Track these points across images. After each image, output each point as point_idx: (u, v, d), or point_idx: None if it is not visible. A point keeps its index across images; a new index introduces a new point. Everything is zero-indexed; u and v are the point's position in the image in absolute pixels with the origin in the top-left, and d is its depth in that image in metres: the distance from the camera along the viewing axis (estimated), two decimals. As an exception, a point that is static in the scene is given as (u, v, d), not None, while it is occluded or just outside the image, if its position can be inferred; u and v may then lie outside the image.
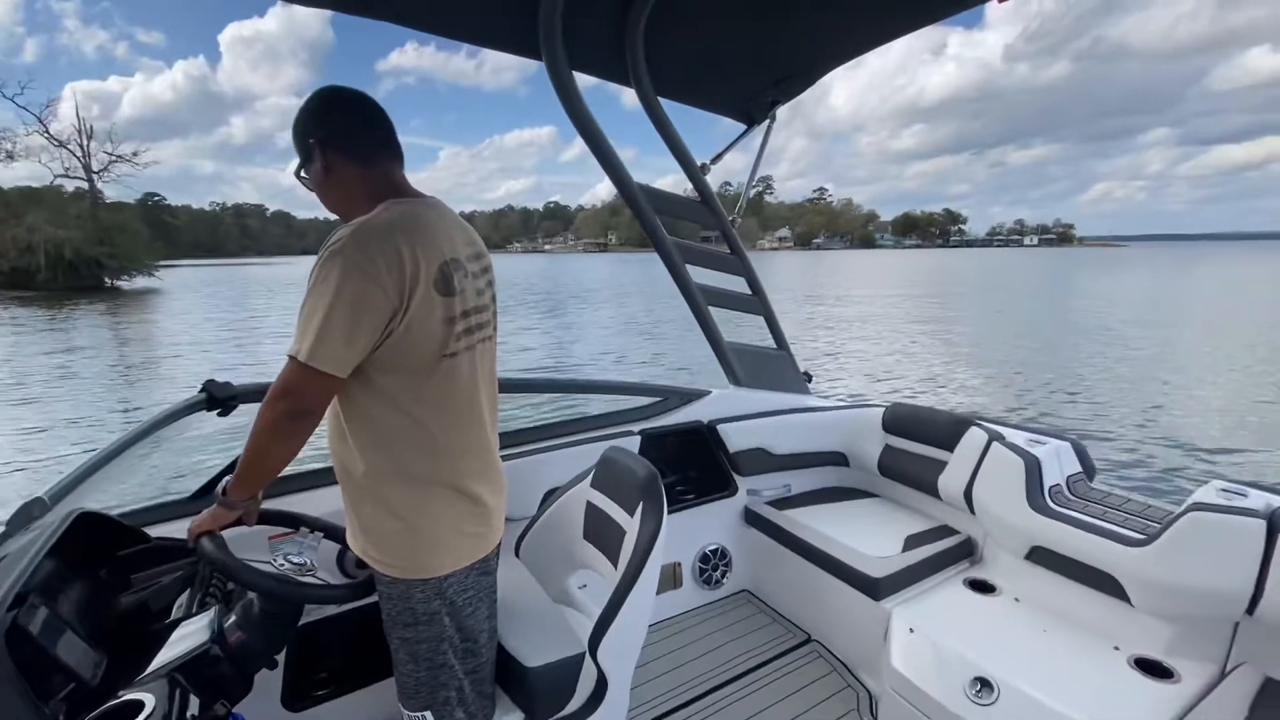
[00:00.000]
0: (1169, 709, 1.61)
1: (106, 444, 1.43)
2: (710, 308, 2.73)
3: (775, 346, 3.01)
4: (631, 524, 1.53)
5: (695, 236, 3.00)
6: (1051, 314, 22.70)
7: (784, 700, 2.15)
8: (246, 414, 1.63)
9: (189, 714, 1.10)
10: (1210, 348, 14.38)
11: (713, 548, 2.72)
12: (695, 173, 2.62)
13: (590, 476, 1.80)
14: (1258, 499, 1.81)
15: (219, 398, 1.68)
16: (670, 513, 2.51)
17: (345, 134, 1.23)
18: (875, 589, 2.17)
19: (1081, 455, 2.35)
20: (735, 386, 2.89)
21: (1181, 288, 35.61)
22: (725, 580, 2.77)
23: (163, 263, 47.65)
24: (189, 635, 1.19)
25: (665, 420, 2.67)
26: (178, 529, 1.44)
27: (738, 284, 2.87)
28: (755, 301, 2.87)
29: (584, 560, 1.79)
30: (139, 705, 1.02)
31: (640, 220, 2.54)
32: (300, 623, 1.43)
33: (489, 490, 1.36)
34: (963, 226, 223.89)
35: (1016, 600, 2.14)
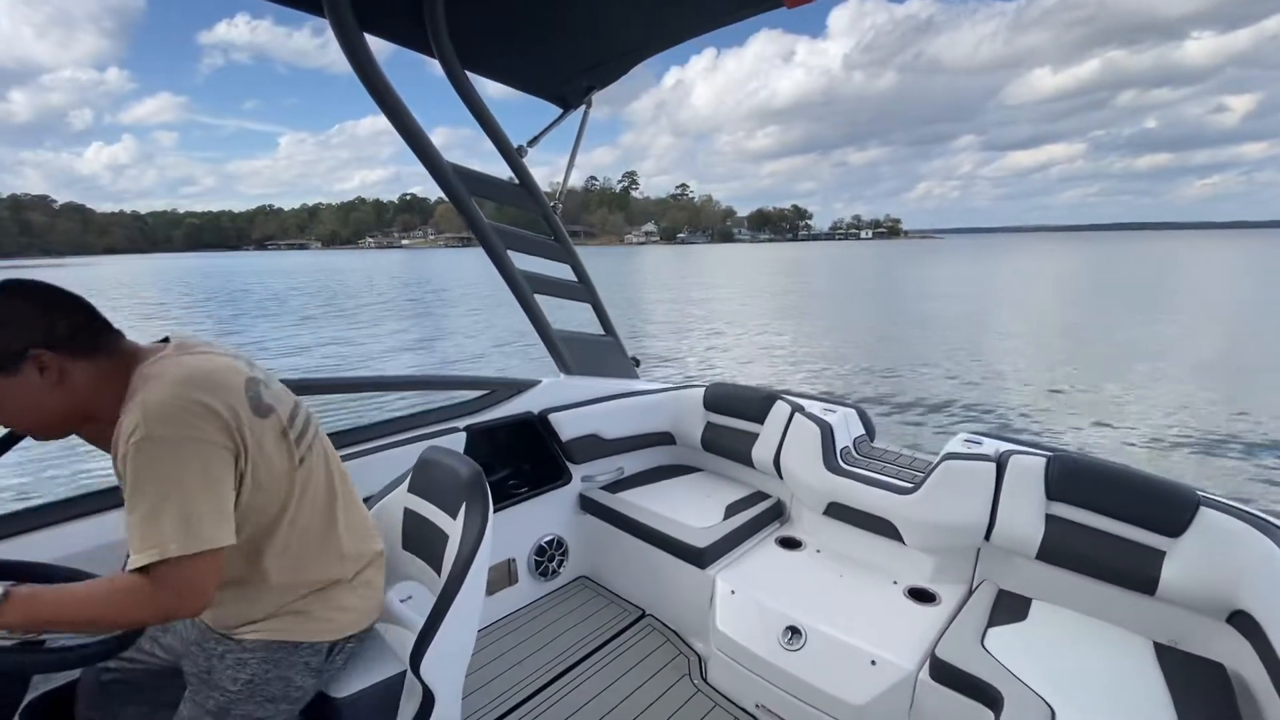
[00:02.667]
0: (934, 627, 1.89)
1: None
2: (537, 296, 2.66)
3: (603, 333, 3.02)
4: (454, 527, 1.43)
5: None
6: (873, 296, 25.71)
7: (623, 677, 2.19)
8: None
9: None
10: (987, 321, 17.12)
11: (549, 538, 2.69)
12: (512, 155, 2.53)
13: (407, 480, 1.66)
14: (990, 446, 2.17)
15: None
16: (501, 509, 2.45)
17: (81, 328, 1.08)
18: (700, 558, 2.28)
19: (865, 419, 2.66)
20: (565, 375, 2.86)
21: (974, 272, 41.88)
22: (562, 569, 2.75)
23: None
24: None
25: (494, 414, 2.59)
26: None
27: (563, 271, 2.83)
28: (581, 289, 2.85)
29: (405, 572, 1.65)
30: None
31: (454, 202, 2.40)
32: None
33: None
34: (809, 222, 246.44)
35: (818, 552, 2.40)
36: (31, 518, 1.52)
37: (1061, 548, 1.89)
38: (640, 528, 2.51)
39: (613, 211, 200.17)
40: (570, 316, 2.94)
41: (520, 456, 2.70)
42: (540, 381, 2.77)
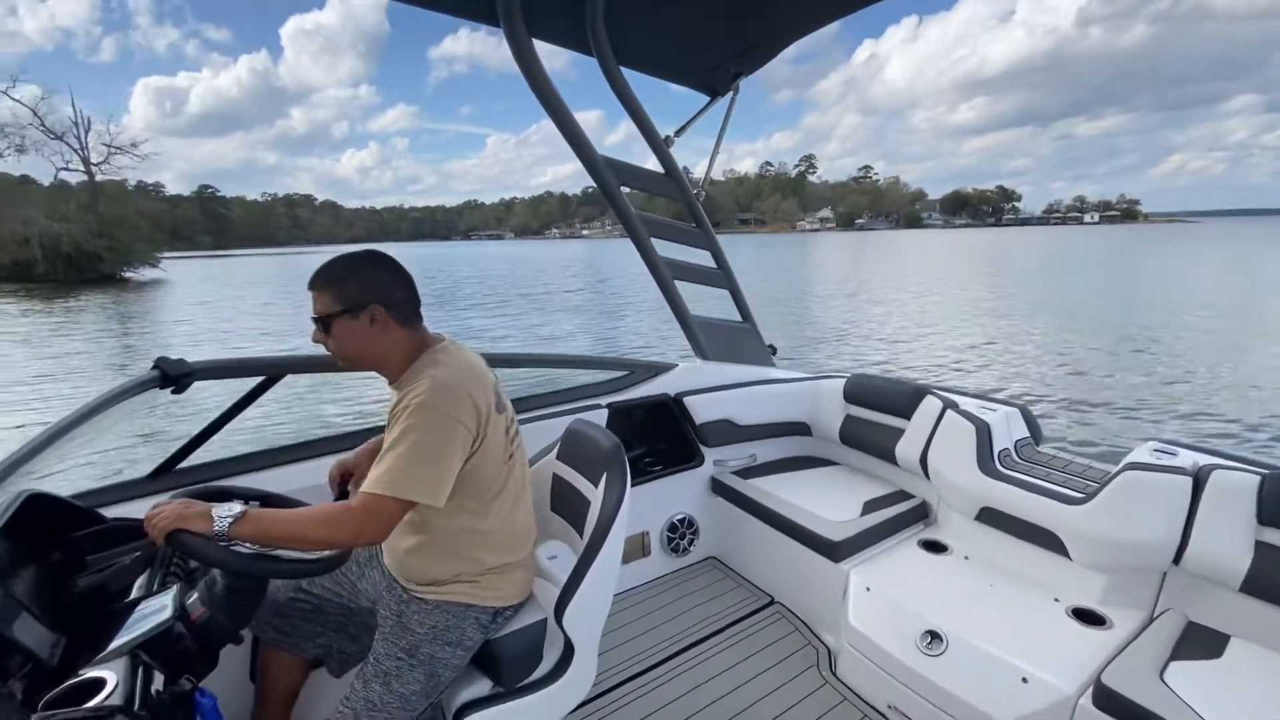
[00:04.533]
0: (1102, 652, 1.71)
1: (51, 423, 1.39)
2: (677, 282, 2.75)
3: (740, 320, 3.02)
4: (596, 494, 1.57)
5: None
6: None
7: (748, 659, 2.22)
8: (201, 390, 1.71)
9: (153, 689, 1.09)
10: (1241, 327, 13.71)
11: (680, 517, 2.77)
12: (660, 145, 2.64)
13: (556, 449, 1.85)
14: (1186, 458, 1.89)
15: (172, 375, 1.65)
16: (638, 484, 2.58)
17: (407, 302, 1.42)
18: (834, 551, 2.24)
19: (1030, 421, 2.43)
20: (702, 360, 2.91)
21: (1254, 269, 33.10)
22: (692, 548, 2.82)
23: (168, 254, 48.37)
24: (150, 614, 1.19)
25: (632, 393, 2.72)
26: (133, 509, 1.47)
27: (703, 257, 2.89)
28: (720, 275, 2.88)
29: (551, 531, 1.82)
30: (100, 683, 1.02)
31: (604, 192, 2.57)
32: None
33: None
34: (1017, 204, 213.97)
35: (966, 559, 2.24)
36: (265, 458, 1.90)
37: (1274, 581, 1.62)
38: (772, 515, 2.50)
39: (786, 197, 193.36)
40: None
41: (655, 436, 2.81)
42: (677, 365, 2.85)
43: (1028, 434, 2.42)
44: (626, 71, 2.47)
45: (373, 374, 1.46)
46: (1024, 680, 1.65)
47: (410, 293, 1.44)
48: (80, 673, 1.04)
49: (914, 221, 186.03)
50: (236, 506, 1.23)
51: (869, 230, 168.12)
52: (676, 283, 2.78)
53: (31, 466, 1.25)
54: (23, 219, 34.24)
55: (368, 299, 1.37)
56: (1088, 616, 1.88)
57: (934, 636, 1.85)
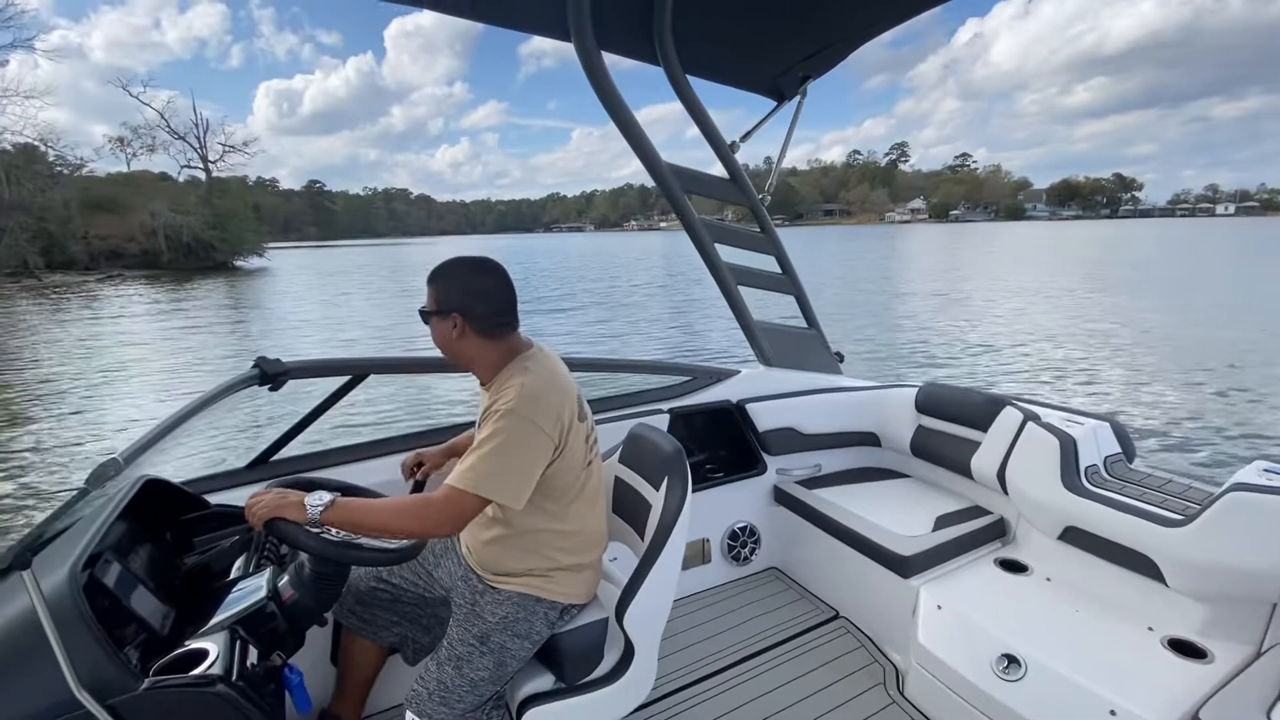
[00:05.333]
0: (1199, 688, 1.59)
1: (169, 414, 1.49)
2: (740, 287, 2.73)
3: (806, 326, 2.96)
4: (657, 498, 1.60)
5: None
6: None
7: (811, 673, 2.19)
8: (295, 388, 1.86)
9: (249, 663, 1.17)
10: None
11: (741, 525, 2.76)
12: (725, 151, 2.62)
13: (618, 452, 1.90)
14: None
15: (270, 373, 1.77)
16: (699, 490, 2.58)
17: (487, 316, 1.50)
18: (904, 567, 2.18)
19: (1121, 436, 2.27)
20: (765, 366, 2.87)
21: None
22: (754, 557, 2.80)
23: (274, 244, 53.59)
24: (247, 593, 1.29)
25: (694, 399, 2.72)
26: (233, 497, 1.60)
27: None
28: (785, 280, 2.83)
29: (612, 533, 1.84)
30: (204, 653, 1.11)
31: (668, 198, 2.59)
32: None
33: None
34: (1137, 194, 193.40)
35: (1048, 580, 2.13)
36: (348, 452, 2.05)
37: None
38: (838, 527, 2.45)
39: (874, 187, 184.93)
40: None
41: (717, 443, 2.80)
42: (739, 371, 2.83)
43: (1118, 450, 2.26)
44: (691, 78, 2.47)
45: (454, 378, 1.54)
46: (1112, 713, 1.55)
47: (493, 308, 1.50)
48: (186, 643, 1.13)
49: (1016, 213, 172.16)
50: (326, 496, 1.34)
51: (965, 222, 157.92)
52: (741, 288, 2.75)
53: (148, 455, 1.35)
54: (150, 211, 38.19)
55: (452, 306, 1.48)
56: (1185, 648, 1.75)
57: (1011, 660, 1.76)
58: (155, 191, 43.24)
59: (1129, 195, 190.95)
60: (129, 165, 49.50)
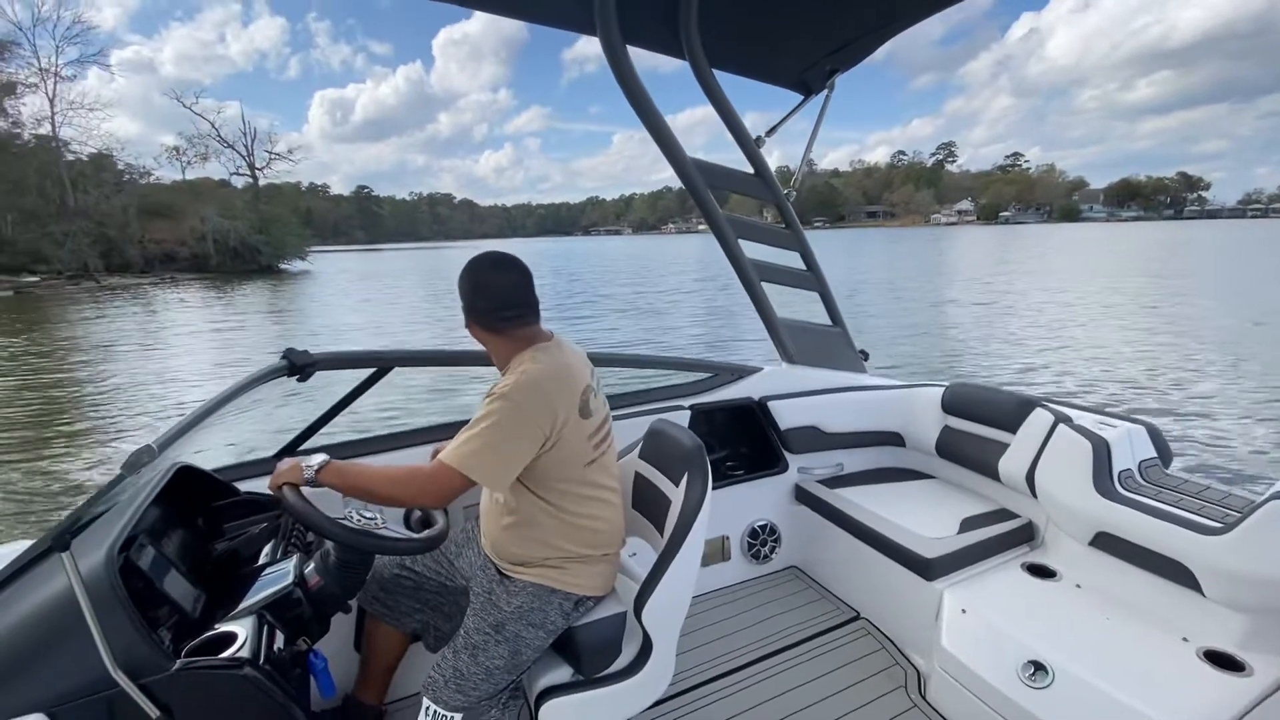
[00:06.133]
0: (1237, 702, 1.55)
1: (202, 402, 1.50)
2: (764, 283, 2.71)
3: (830, 323, 2.91)
4: (676, 494, 1.60)
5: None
6: None
7: (831, 674, 2.17)
8: (323, 379, 1.91)
9: (275, 647, 1.19)
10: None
11: (762, 523, 2.74)
12: (750, 146, 2.62)
13: (639, 447, 1.90)
14: None
15: (298, 364, 1.80)
16: (719, 487, 2.60)
17: (487, 311, 1.55)
18: (928, 569, 2.14)
19: (1157, 440, 2.20)
20: (788, 363, 2.85)
21: None
22: (774, 556, 2.78)
23: (318, 248, 55.94)
24: (275, 579, 1.31)
25: (715, 396, 2.72)
26: (263, 485, 1.57)
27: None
28: (810, 277, 2.80)
29: (632, 528, 1.85)
30: (233, 636, 1.14)
31: (692, 194, 2.59)
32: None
33: None
34: (1203, 193, 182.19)
35: (1078, 586, 2.07)
36: (378, 442, 2.09)
37: None
38: (860, 527, 2.42)
39: (919, 188, 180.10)
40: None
41: (738, 440, 2.79)
42: (762, 368, 2.81)
43: (1154, 454, 2.18)
44: (717, 73, 2.47)
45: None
46: None
47: (495, 303, 1.54)
48: (216, 626, 1.17)
49: (1071, 214, 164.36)
50: (321, 457, 1.40)
51: (1016, 224, 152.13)
52: (764, 285, 2.73)
53: (181, 443, 1.37)
54: (200, 216, 40.10)
55: (463, 301, 1.57)
56: (1223, 660, 1.69)
57: (1038, 667, 1.72)
58: (214, 198, 45.44)
59: (1195, 195, 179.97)
60: (184, 174, 52.44)
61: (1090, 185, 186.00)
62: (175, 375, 11.41)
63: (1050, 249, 47.97)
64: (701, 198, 2.56)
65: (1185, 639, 1.78)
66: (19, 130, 36.60)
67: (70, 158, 37.81)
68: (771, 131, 2.63)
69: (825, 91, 2.64)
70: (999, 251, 46.03)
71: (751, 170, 2.65)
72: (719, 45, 2.39)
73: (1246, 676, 1.63)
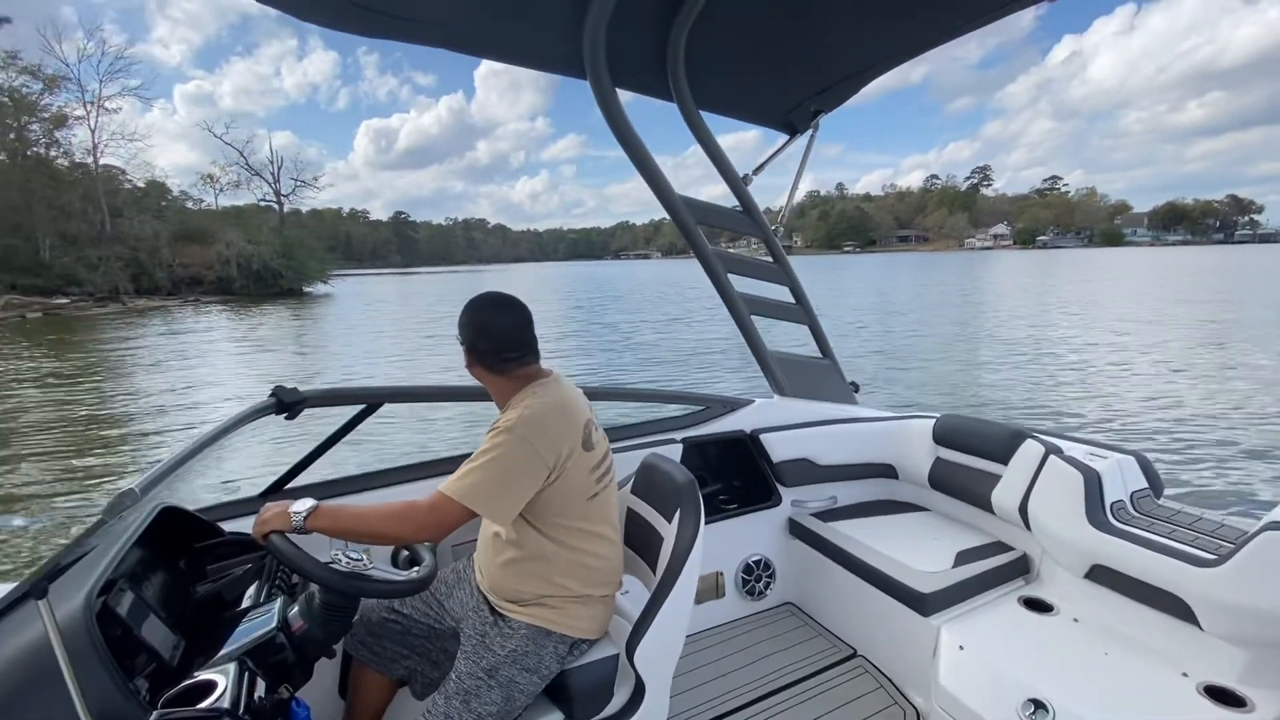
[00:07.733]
0: None
1: (187, 442, 1.46)
2: (754, 316, 2.73)
3: (820, 355, 2.92)
4: (669, 530, 1.60)
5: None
6: None
7: (829, 714, 2.14)
8: (311, 417, 1.90)
9: (256, 695, 1.15)
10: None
11: (756, 558, 2.72)
12: (738, 184, 2.66)
13: (631, 483, 1.91)
14: None
15: (287, 402, 1.77)
16: (712, 522, 2.58)
17: (489, 352, 1.58)
18: (924, 605, 2.12)
19: (1147, 470, 2.18)
20: (779, 396, 2.85)
21: None
22: (769, 591, 2.75)
23: (342, 271, 57.72)
24: (257, 623, 1.27)
25: (707, 429, 2.71)
26: (248, 525, 1.53)
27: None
28: (799, 310, 2.82)
29: (625, 565, 1.81)
30: (212, 685, 1.09)
31: (681, 230, 2.63)
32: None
33: None
34: (1256, 217, 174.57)
35: (1075, 620, 2.04)
36: (370, 479, 2.07)
37: None
38: (855, 562, 2.39)
39: (953, 212, 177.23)
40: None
41: (731, 473, 2.78)
42: (754, 401, 2.81)
43: (1145, 485, 2.16)
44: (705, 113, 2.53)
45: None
46: None
47: (496, 344, 1.55)
48: (195, 674, 1.13)
49: (1113, 239, 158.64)
50: (309, 502, 1.36)
51: (1054, 249, 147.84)
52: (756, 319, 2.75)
53: (166, 482, 1.34)
54: (225, 241, 41.60)
55: (464, 339, 1.58)
56: (1224, 696, 1.66)
57: (1039, 706, 1.68)
58: (251, 224, 47.35)
59: (1246, 219, 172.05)
60: (216, 200, 55.08)
61: (1134, 209, 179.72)
62: (164, 404, 11.12)
63: (1086, 276, 46.44)
64: (690, 233, 2.60)
65: (1185, 674, 1.75)
66: (66, 159, 38.88)
67: (125, 186, 40.05)
68: (758, 170, 2.68)
69: (810, 131, 2.69)
70: (1018, 277, 44.40)
71: (740, 207, 2.70)
72: (706, 87, 2.45)
73: (1249, 712, 1.60)
